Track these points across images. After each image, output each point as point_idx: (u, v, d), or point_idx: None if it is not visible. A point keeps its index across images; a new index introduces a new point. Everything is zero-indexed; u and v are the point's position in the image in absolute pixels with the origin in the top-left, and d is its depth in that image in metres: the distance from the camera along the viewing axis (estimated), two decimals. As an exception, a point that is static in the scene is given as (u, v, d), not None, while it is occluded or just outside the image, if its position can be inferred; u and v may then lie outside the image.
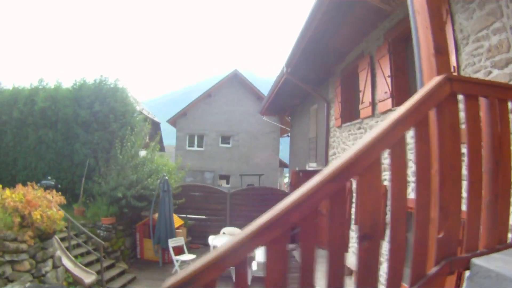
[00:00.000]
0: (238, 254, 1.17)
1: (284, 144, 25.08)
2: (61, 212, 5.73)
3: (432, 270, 1.47)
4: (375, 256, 1.33)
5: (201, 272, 1.10)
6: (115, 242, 8.35)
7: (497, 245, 1.64)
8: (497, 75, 3.90)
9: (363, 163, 1.33)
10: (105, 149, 9.12)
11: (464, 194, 1.68)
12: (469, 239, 1.60)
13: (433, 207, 1.51)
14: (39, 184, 7.97)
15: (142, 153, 9.79)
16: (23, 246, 5.34)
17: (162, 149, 20.64)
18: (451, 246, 1.52)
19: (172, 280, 1.08)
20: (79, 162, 9.09)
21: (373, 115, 7.50)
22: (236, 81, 22.63)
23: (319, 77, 11.25)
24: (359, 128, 8.60)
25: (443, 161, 1.52)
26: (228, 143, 22.53)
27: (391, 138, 1.40)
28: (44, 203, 5.37)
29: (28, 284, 4.90)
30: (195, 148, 22.05)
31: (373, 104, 7.50)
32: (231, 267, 1.19)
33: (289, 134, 21.74)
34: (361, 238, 1.32)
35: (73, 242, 7.31)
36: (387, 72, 6.80)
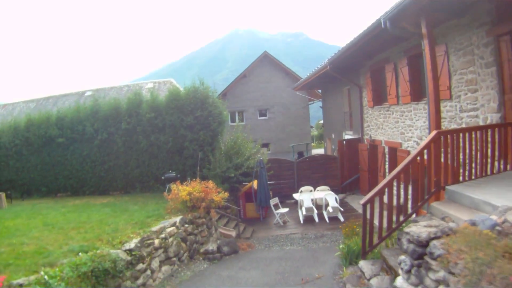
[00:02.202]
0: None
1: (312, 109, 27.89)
2: (222, 195, 8.65)
3: (433, 190, 4.43)
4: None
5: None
6: (232, 210, 11.36)
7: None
8: (469, 96, 7.57)
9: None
10: (209, 143, 11.78)
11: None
12: (445, 180, 4.52)
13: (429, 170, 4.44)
14: (163, 177, 10.99)
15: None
16: (203, 220, 8.34)
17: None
18: (439, 183, 4.45)
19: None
20: (188, 155, 11.84)
21: (397, 103, 11.11)
22: (266, 61, 25.06)
23: (352, 68, 14.09)
24: (387, 111, 11.97)
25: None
26: (265, 115, 25.33)
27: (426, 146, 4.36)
28: (213, 190, 8.31)
29: (219, 241, 7.94)
30: (237, 123, 24.91)
31: (397, 97, 11.07)
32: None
33: (314, 101, 24.57)
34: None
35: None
36: (407, 77, 10.29)
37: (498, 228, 3.42)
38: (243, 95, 24.79)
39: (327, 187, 13.23)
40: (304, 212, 11.55)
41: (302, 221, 11.60)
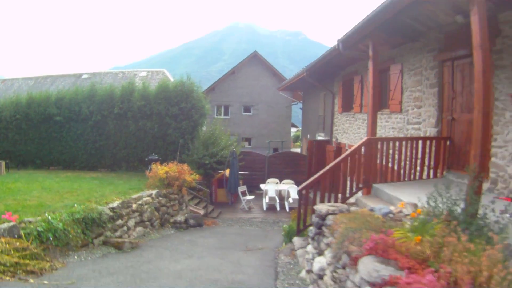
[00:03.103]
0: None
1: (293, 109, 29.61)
2: (194, 176, 10.23)
3: (360, 185, 6.07)
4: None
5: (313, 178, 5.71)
6: (204, 193, 12.95)
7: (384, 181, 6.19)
8: (415, 111, 8.74)
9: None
10: (189, 132, 13.33)
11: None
12: (374, 178, 6.14)
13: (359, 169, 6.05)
14: (147, 158, 12.53)
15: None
16: (176, 196, 9.93)
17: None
18: (368, 180, 6.07)
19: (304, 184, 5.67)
20: (170, 141, 13.36)
21: (360, 112, 12.52)
22: (255, 60, 26.68)
23: (328, 76, 15.68)
24: (352, 117, 13.66)
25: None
26: (250, 111, 26.97)
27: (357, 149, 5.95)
28: (186, 171, 9.90)
29: (187, 215, 9.55)
30: (222, 116, 26.41)
31: (361, 106, 12.37)
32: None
33: (297, 102, 26.26)
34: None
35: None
36: (370, 90, 11.47)
37: (390, 215, 4.41)
38: (231, 91, 26.42)
39: (292, 181, 14.91)
40: (267, 201, 13.25)
41: (265, 209, 13.30)
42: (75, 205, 6.53)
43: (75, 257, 5.61)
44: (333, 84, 16.05)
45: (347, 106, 14.52)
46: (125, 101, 13.72)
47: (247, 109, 27.09)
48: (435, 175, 7.39)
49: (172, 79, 18.78)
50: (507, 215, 3.48)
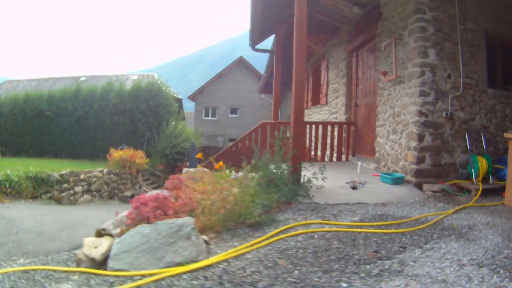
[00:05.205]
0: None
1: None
2: (144, 160, 12.18)
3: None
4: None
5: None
6: (163, 179, 14.92)
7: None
8: (334, 102, 9.58)
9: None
10: (156, 127, 15.39)
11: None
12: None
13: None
14: (119, 147, 14.54)
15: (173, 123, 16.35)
16: (128, 176, 11.86)
17: (183, 118, 27.20)
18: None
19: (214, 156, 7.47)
20: (139, 134, 15.41)
21: (307, 107, 13.24)
22: (241, 65, 28.68)
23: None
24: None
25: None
26: (236, 113, 28.92)
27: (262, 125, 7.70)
28: (138, 155, 11.85)
29: (134, 191, 11.47)
30: (210, 118, 28.38)
31: (307, 101, 13.41)
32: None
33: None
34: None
35: (146, 178, 13.89)
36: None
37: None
38: (218, 94, 28.46)
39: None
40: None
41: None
42: (31, 167, 8.55)
43: (23, 201, 7.63)
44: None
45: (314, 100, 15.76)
46: (103, 99, 15.85)
47: (233, 111, 29.05)
48: (339, 159, 8.35)
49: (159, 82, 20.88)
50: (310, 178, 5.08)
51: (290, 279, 2.38)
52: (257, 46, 9.93)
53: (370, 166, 7.26)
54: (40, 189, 8.16)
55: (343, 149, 8.68)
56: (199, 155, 11.38)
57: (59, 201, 8.26)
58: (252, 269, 2.53)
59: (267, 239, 3.13)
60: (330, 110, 10.09)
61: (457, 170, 5.77)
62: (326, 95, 10.44)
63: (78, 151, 16.45)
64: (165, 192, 4.15)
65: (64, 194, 8.77)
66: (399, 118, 6.19)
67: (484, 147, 5.74)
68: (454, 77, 5.71)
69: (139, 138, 15.53)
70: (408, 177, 5.78)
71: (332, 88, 9.89)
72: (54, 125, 16.45)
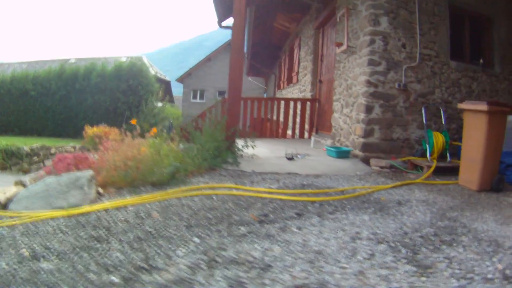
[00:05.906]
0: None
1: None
2: (118, 137, 12.46)
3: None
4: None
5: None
6: (142, 157, 15.31)
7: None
8: (304, 79, 9.65)
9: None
10: (136, 106, 15.63)
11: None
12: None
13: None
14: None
15: (160, 104, 16.55)
16: (105, 152, 12.18)
17: (172, 101, 27.36)
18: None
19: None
20: (119, 113, 15.58)
21: (283, 87, 13.74)
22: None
23: (273, 59, 17.48)
24: (281, 93, 14.92)
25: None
26: (224, 96, 29.08)
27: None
28: (112, 132, 12.15)
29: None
30: (198, 100, 28.60)
31: (282, 81, 13.87)
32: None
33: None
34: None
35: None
36: (287, 65, 12.79)
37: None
38: (206, 76, 28.56)
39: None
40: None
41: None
42: (2, 141, 8.89)
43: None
44: (276, 67, 18.01)
45: (279, 84, 15.96)
46: (85, 79, 16.06)
47: (221, 94, 29.11)
48: (301, 136, 8.49)
49: (148, 65, 21.03)
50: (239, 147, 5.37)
51: (148, 229, 2.48)
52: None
53: (328, 143, 7.13)
54: (10, 161, 8.49)
55: (306, 126, 8.85)
56: (133, 121, 11.54)
57: (26, 173, 8.60)
58: (122, 218, 2.71)
59: (161, 196, 3.25)
60: (300, 88, 10.19)
61: (412, 147, 5.52)
62: (297, 73, 10.55)
63: (61, 130, 16.71)
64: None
65: (33, 166, 9.09)
66: (351, 90, 5.95)
67: (444, 122, 5.40)
68: (409, 47, 5.43)
69: (118, 117, 15.75)
70: (356, 152, 5.59)
71: (302, 66, 9.95)
72: (38, 105, 16.70)
